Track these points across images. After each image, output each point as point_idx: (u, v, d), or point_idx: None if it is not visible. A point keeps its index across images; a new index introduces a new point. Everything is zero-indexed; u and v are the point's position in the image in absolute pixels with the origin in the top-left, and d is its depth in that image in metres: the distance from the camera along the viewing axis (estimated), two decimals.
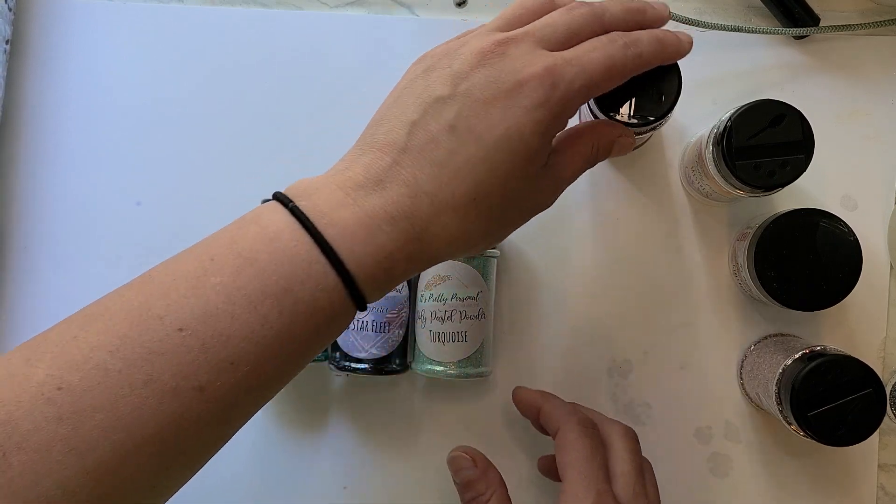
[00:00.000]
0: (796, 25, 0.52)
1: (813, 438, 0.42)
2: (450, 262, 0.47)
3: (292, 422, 0.52)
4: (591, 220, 0.52)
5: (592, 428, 0.42)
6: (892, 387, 0.50)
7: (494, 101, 0.33)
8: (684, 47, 0.38)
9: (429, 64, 0.36)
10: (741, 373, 0.51)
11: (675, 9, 0.51)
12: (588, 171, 0.52)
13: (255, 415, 0.53)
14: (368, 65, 0.54)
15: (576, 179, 0.38)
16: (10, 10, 0.52)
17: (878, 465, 0.51)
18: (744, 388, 0.51)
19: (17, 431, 0.27)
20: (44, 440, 0.27)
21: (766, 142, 0.43)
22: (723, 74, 0.53)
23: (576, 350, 0.52)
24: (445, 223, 0.33)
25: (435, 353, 0.48)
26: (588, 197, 0.53)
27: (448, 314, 0.47)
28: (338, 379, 0.52)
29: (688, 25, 0.51)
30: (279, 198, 0.33)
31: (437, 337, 0.47)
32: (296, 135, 0.53)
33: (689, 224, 0.52)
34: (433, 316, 0.47)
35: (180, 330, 0.29)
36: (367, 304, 0.33)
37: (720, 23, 0.51)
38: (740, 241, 0.50)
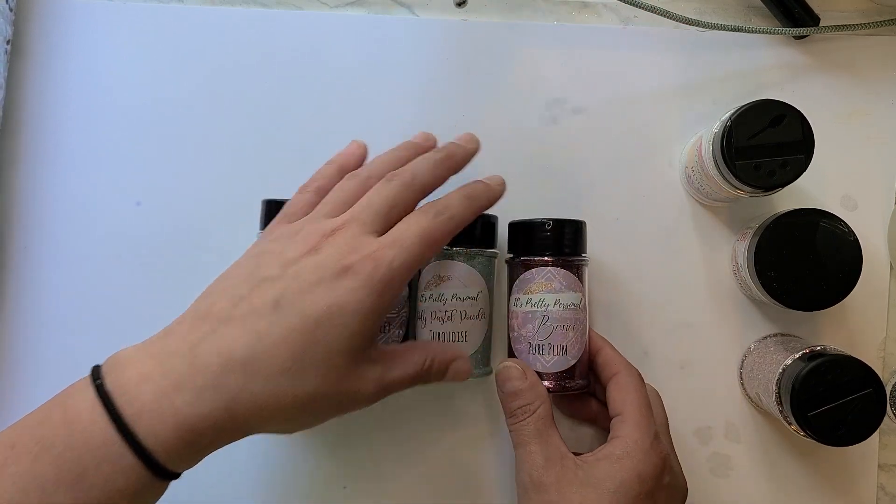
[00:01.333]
0: (796, 25, 0.52)
1: (813, 438, 0.42)
2: (450, 261, 0.47)
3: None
4: (591, 220, 0.52)
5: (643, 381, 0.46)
6: (892, 387, 0.50)
7: (320, 282, 0.36)
8: (495, 193, 0.43)
9: (263, 248, 0.39)
10: (741, 373, 0.51)
11: (675, 9, 0.52)
12: (588, 171, 0.53)
13: None
14: (368, 65, 0.54)
15: (401, 389, 0.40)
16: (10, 9, 0.52)
17: (878, 465, 0.51)
18: (744, 388, 0.51)
19: None
20: None
21: (766, 142, 0.43)
22: (723, 74, 0.53)
23: None
24: (256, 392, 0.34)
25: None
26: (588, 197, 0.53)
27: (448, 314, 0.47)
28: None
29: (688, 25, 0.51)
30: (93, 372, 0.35)
31: (438, 337, 0.47)
32: (296, 135, 0.53)
33: (689, 224, 0.52)
34: (433, 316, 0.47)
35: None
36: (181, 473, 0.35)
37: (720, 23, 0.51)
38: (740, 241, 0.50)
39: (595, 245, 0.52)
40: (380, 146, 0.53)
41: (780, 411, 0.44)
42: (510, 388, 0.44)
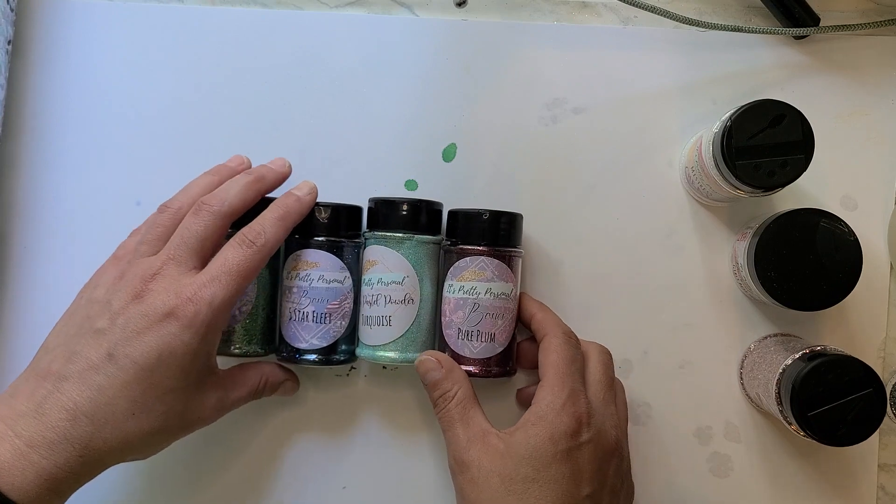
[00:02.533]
0: (796, 25, 0.52)
1: (813, 438, 0.42)
2: (378, 245, 0.48)
3: (292, 422, 0.52)
4: (592, 219, 0.52)
5: (575, 339, 0.47)
6: (893, 387, 0.50)
7: (148, 329, 0.39)
8: (306, 204, 0.46)
9: (90, 296, 0.42)
10: (741, 373, 0.51)
11: (675, 9, 0.52)
12: (588, 171, 0.53)
13: (254, 415, 0.53)
14: (368, 65, 0.54)
15: (240, 405, 0.46)
16: (11, 10, 0.52)
17: (878, 465, 0.51)
18: (744, 388, 0.51)
19: None
20: None
21: (766, 142, 0.43)
22: (723, 74, 0.53)
23: None
24: (106, 438, 0.38)
25: (364, 337, 0.48)
26: (588, 197, 0.53)
27: (374, 298, 0.48)
28: (337, 379, 0.52)
29: (688, 25, 0.51)
30: None
31: (366, 320, 0.48)
32: (295, 134, 0.53)
33: (689, 224, 0.52)
34: (364, 300, 0.48)
35: None
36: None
37: (720, 23, 0.51)
38: (740, 241, 0.50)
39: (595, 245, 0.52)
40: (380, 146, 0.53)
41: (780, 411, 0.44)
42: (429, 378, 0.46)
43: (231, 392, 0.44)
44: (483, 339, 0.47)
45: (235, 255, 0.42)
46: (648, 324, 0.52)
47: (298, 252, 0.48)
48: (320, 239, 0.48)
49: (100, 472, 0.40)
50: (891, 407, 0.50)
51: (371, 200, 0.50)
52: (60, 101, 0.54)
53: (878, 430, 0.42)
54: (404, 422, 0.52)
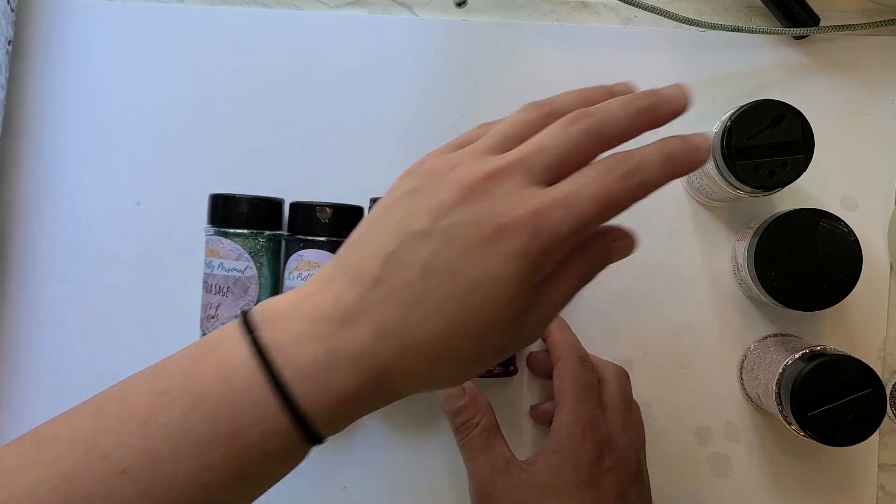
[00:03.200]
0: (796, 25, 0.52)
1: (813, 438, 0.42)
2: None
3: None
4: None
5: (590, 363, 0.45)
6: (893, 387, 0.50)
7: (473, 244, 0.31)
8: (700, 157, 0.34)
9: (415, 184, 0.34)
10: (741, 373, 0.51)
11: (675, 9, 0.52)
12: None
13: None
14: (368, 65, 0.54)
15: (567, 305, 0.35)
16: (11, 10, 0.52)
17: (878, 465, 0.51)
18: (744, 388, 0.51)
19: None
20: None
21: (766, 142, 0.43)
22: (723, 74, 0.53)
23: None
24: (409, 366, 0.32)
25: None
26: None
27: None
28: None
29: (688, 25, 0.51)
30: (245, 322, 0.32)
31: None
32: (295, 134, 0.53)
33: (689, 224, 0.52)
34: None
35: (123, 472, 0.29)
36: (327, 439, 0.33)
37: (720, 23, 0.51)
38: (740, 241, 0.50)
39: None
40: (380, 146, 0.53)
41: (780, 411, 0.44)
42: (451, 406, 0.45)
43: (553, 302, 0.34)
44: None
45: (605, 180, 0.32)
46: (648, 324, 0.52)
47: (299, 252, 0.48)
48: (321, 239, 0.48)
49: (394, 401, 0.34)
50: (891, 407, 0.50)
51: (371, 200, 0.50)
52: (60, 101, 0.54)
53: (878, 430, 0.42)
54: (405, 422, 0.52)
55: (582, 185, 0.32)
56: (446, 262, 0.31)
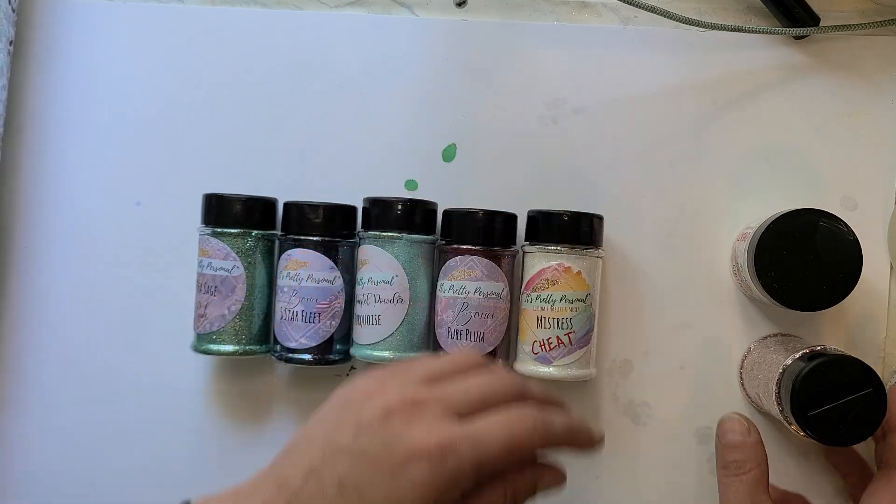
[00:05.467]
0: (796, 25, 0.52)
1: (813, 438, 0.42)
2: (369, 245, 0.48)
3: (293, 423, 0.52)
4: None
5: None
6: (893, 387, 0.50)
7: (384, 466, 0.34)
8: (595, 445, 0.39)
9: (347, 399, 0.37)
10: (741, 373, 0.51)
11: (675, 9, 0.52)
12: (588, 171, 0.53)
13: (256, 416, 0.53)
14: (368, 65, 0.54)
15: None
16: (13, 10, 0.52)
17: None
18: (744, 388, 0.51)
19: None
20: None
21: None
22: (723, 74, 0.53)
23: None
24: None
25: (357, 336, 0.49)
26: (588, 197, 0.52)
27: (365, 297, 0.48)
28: (337, 379, 0.52)
29: (688, 25, 0.51)
30: None
31: (358, 319, 0.48)
32: (295, 134, 0.53)
33: (689, 224, 0.52)
34: (357, 299, 0.49)
35: None
36: None
37: (720, 23, 0.51)
38: (740, 241, 0.50)
39: None
40: (380, 146, 0.53)
41: (780, 411, 0.44)
42: (730, 440, 0.44)
43: None
44: (472, 339, 0.47)
45: (509, 427, 0.35)
46: (648, 324, 0.52)
47: (289, 251, 0.48)
48: (312, 238, 0.48)
49: None
50: None
51: (364, 200, 0.50)
52: (61, 101, 0.54)
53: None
54: None
55: (492, 426, 0.35)
56: (358, 481, 0.34)
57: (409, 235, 0.48)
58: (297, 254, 0.48)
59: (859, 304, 0.51)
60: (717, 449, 0.45)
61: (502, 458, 0.35)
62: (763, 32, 0.51)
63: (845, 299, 0.45)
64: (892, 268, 0.52)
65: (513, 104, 0.53)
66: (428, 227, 0.49)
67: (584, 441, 0.38)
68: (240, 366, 0.53)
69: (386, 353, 0.47)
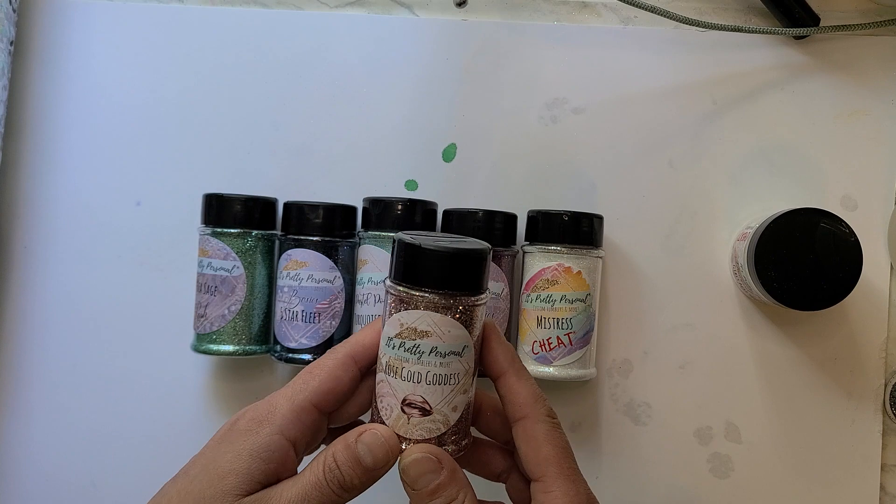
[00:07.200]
0: (796, 25, 0.52)
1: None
2: (369, 245, 0.48)
3: None
4: None
5: (558, 419, 0.37)
6: (893, 387, 0.50)
7: None
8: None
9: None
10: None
11: (675, 9, 0.52)
12: (588, 171, 0.53)
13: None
14: (368, 65, 0.54)
15: None
16: (13, 10, 0.52)
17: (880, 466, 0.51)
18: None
19: None
20: None
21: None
22: (723, 74, 0.53)
23: None
24: None
25: None
26: (588, 197, 0.53)
27: (365, 297, 0.48)
28: None
29: (688, 25, 0.51)
30: None
31: (358, 319, 0.48)
32: (295, 134, 0.53)
33: (689, 224, 0.52)
34: (357, 299, 0.48)
35: None
36: None
37: (720, 23, 0.51)
38: (740, 241, 0.50)
39: None
40: (380, 146, 0.53)
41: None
42: (425, 483, 0.35)
43: None
44: None
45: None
46: (648, 324, 0.52)
47: (289, 251, 0.48)
48: (312, 238, 0.48)
49: None
50: (891, 407, 0.50)
51: (364, 200, 0.50)
52: (61, 101, 0.54)
53: (880, 431, 0.42)
54: None
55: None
56: None
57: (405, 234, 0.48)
58: (297, 254, 0.48)
59: (859, 304, 0.51)
60: (410, 496, 0.37)
61: None
62: (763, 32, 0.51)
63: (845, 299, 0.45)
64: (892, 268, 0.52)
65: (513, 104, 0.53)
66: (428, 227, 0.49)
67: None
68: (240, 366, 0.53)
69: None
